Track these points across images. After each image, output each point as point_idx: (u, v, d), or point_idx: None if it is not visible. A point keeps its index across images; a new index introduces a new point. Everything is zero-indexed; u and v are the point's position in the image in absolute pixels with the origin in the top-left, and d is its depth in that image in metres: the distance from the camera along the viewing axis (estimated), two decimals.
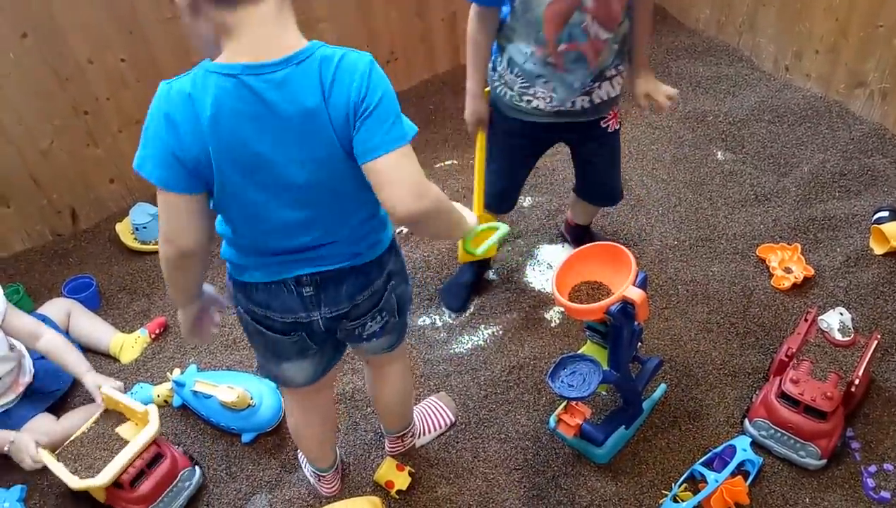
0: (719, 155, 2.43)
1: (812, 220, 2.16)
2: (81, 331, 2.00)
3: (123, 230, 2.32)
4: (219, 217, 1.18)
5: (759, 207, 2.23)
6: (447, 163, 2.55)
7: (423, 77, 2.86)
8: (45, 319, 1.90)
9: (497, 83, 1.67)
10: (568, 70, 1.55)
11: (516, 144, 1.78)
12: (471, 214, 1.28)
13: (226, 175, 1.06)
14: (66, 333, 1.97)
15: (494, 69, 1.66)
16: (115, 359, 1.99)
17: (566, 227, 2.17)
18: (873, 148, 2.37)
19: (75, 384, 1.89)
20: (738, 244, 2.13)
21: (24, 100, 2.13)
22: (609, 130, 1.75)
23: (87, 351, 1.97)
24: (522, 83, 1.61)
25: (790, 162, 2.37)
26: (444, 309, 2.04)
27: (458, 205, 1.24)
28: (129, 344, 1.99)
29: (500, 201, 1.90)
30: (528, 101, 1.63)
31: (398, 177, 1.06)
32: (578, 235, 2.10)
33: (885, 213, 2.07)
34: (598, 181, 1.90)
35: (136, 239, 2.30)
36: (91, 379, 1.69)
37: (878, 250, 2.04)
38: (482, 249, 1.35)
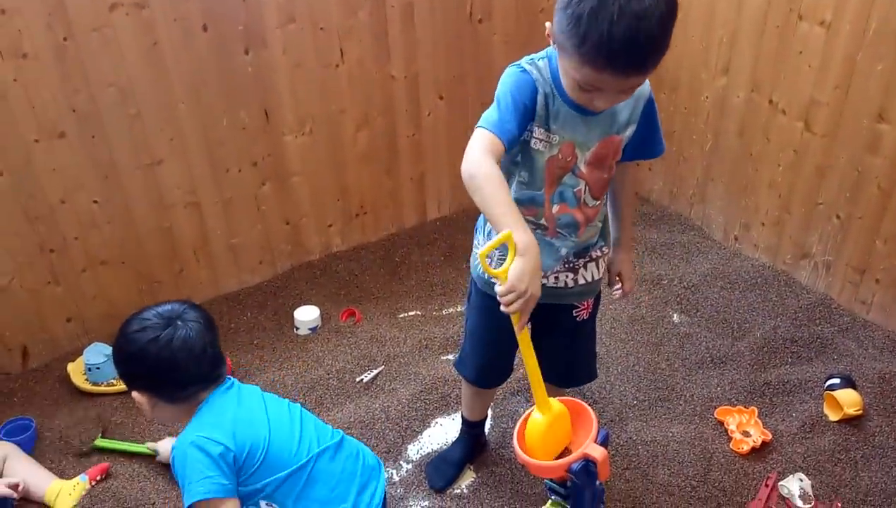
0: (675, 317, 2.50)
1: (767, 384, 2.20)
2: (17, 478, 1.89)
3: (75, 370, 2.26)
4: None
5: (715, 370, 2.27)
6: (411, 313, 2.57)
7: (390, 231, 2.94)
8: None
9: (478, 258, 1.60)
10: (558, 235, 1.52)
11: (493, 324, 1.63)
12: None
13: None
14: None
15: (479, 243, 1.61)
16: None
17: None
18: (821, 317, 2.46)
19: None
20: (696, 405, 2.14)
21: None
22: (578, 320, 1.68)
23: (23, 498, 1.86)
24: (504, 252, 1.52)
25: (743, 327, 2.44)
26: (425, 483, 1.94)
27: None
28: (66, 492, 1.87)
29: (483, 377, 1.80)
30: None
31: None
32: None
33: (837, 380, 2.12)
34: (561, 363, 1.74)
35: (87, 379, 2.23)
36: None
37: (833, 417, 2.08)
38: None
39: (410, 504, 1.88)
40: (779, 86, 2.48)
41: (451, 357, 2.33)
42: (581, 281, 1.61)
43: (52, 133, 2.11)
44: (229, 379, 1.49)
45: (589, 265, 1.60)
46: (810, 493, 1.81)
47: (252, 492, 1.41)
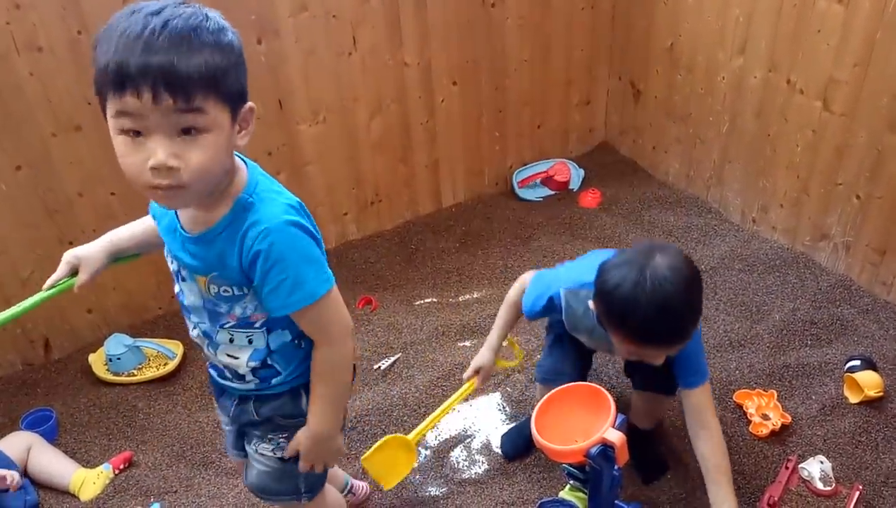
0: None
1: (786, 367, 2.18)
2: (41, 467, 1.93)
3: (96, 361, 2.29)
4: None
5: (733, 353, 2.26)
6: (427, 300, 2.58)
7: (405, 218, 2.95)
8: None
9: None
10: None
11: (568, 346, 1.81)
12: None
13: None
14: (24, 471, 1.90)
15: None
16: (75, 497, 1.90)
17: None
18: (841, 298, 2.44)
19: None
20: (714, 389, 2.13)
21: (11, 230, 2.15)
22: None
23: (47, 488, 1.89)
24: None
25: (761, 309, 2.42)
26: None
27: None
28: (90, 480, 1.91)
29: (554, 376, 1.79)
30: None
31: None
32: (635, 439, 1.65)
33: (858, 362, 2.10)
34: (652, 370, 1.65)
35: (108, 370, 2.26)
36: None
37: (853, 399, 2.06)
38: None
39: (430, 489, 1.89)
40: (796, 66, 2.44)
41: (467, 343, 2.34)
42: None
43: (68, 126, 2.12)
44: None
45: None
46: (831, 476, 1.80)
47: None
